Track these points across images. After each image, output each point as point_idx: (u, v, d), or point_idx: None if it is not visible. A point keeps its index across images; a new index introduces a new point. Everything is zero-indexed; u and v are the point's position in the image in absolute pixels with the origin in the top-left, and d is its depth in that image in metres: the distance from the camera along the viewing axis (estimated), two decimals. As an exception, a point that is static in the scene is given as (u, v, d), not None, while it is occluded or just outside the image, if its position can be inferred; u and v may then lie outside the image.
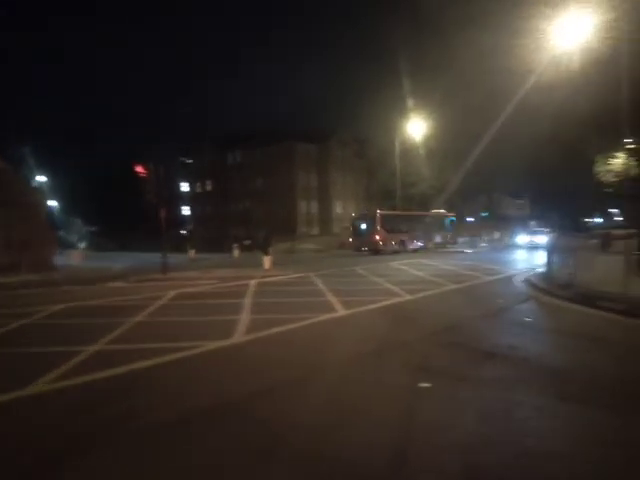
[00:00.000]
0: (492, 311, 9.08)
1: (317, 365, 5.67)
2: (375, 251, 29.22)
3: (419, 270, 17.09)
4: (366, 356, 5.96)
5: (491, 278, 14.58)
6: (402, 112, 37.44)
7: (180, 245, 33.40)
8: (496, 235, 45.85)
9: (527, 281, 13.11)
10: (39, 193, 23.78)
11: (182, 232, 53.82)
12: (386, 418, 4.01)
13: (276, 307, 9.59)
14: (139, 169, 17.38)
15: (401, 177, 38.77)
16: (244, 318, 8.31)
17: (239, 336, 7.02)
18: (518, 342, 6.55)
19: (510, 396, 4.41)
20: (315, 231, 53.35)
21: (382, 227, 29.74)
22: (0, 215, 18.55)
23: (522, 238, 37.95)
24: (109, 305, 10.55)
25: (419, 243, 32.46)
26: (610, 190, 27.16)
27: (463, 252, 30.55)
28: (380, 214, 30.30)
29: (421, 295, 10.95)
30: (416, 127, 37.18)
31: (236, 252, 31.38)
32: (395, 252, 29.39)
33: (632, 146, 22.24)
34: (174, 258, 20.60)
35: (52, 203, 43.05)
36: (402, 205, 37.76)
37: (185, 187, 63.35)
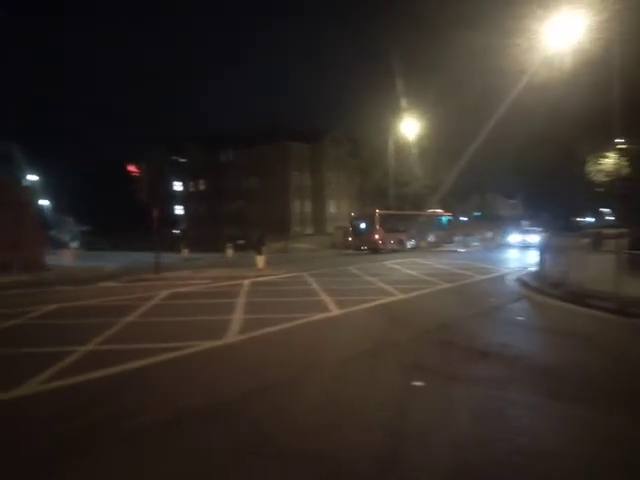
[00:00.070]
0: (485, 310, 9.13)
1: (311, 365, 5.67)
2: (374, 250, 29.54)
3: (412, 269, 17.14)
4: (360, 355, 5.97)
5: (484, 277, 14.65)
6: (396, 112, 37.55)
7: (173, 245, 33.21)
8: (489, 234, 46.06)
9: (519, 280, 13.20)
10: (30, 192, 23.56)
11: (175, 232, 53.57)
12: (379, 417, 4.02)
13: (269, 307, 9.58)
14: (131, 168, 17.30)
15: (394, 177, 38.86)
16: (237, 318, 8.30)
17: (232, 336, 7.00)
18: (510, 341, 6.59)
19: (503, 395, 4.44)
20: (309, 231, 53.30)
21: (381, 226, 30.17)
22: (-9, 215, 18.37)
23: (514, 237, 38.18)
24: (101, 305, 10.49)
25: (417, 242, 32.91)
26: (601, 190, 27.41)
27: (456, 251, 30.68)
28: (379, 214, 30.70)
29: (414, 294, 10.99)
30: (410, 127, 37.26)
31: (229, 252, 31.26)
32: (394, 251, 29.77)
33: (623, 146, 22.45)
34: (167, 258, 20.51)
35: (44, 202, 42.74)
36: (395, 205, 37.86)
37: (178, 186, 63.07)
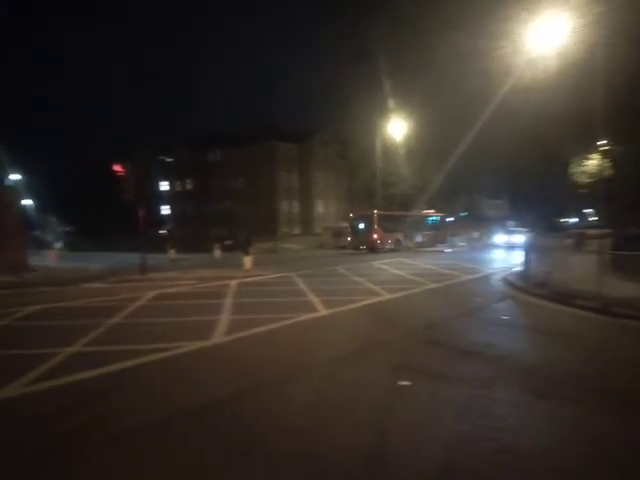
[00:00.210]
0: (470, 310, 9.22)
1: (299, 365, 5.67)
2: (373, 249, 30.33)
3: (400, 269, 17.24)
4: (347, 355, 5.99)
5: (470, 277, 14.79)
6: (383, 112, 37.71)
7: (160, 245, 32.94)
8: (475, 235, 46.48)
9: (504, 280, 13.35)
10: (13, 192, 23.15)
11: (161, 232, 53.12)
12: (367, 417, 4.04)
13: (257, 307, 9.56)
14: (117, 168, 17.10)
15: (382, 177, 39.05)
16: (225, 318, 8.26)
17: (220, 336, 6.97)
18: (496, 340, 6.67)
19: (488, 394, 4.49)
20: (296, 231, 53.29)
21: (379, 226, 31.01)
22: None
23: (500, 238, 38.56)
24: (87, 306, 10.37)
25: (413, 241, 33.92)
26: (585, 191, 27.86)
27: (442, 251, 30.92)
28: (377, 214, 31.56)
29: (401, 294, 11.05)
30: (397, 127, 37.46)
31: (217, 252, 31.10)
32: (392, 250, 30.75)
33: (606, 148, 22.87)
34: (153, 258, 20.32)
35: (27, 202, 42.04)
36: (383, 205, 38.06)
37: (165, 186, 62.54)
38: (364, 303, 9.82)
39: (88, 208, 55.51)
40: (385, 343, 6.64)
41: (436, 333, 7.24)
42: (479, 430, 3.69)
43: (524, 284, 11.87)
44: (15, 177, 39.61)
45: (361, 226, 32.28)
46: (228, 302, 10.23)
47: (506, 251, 29.38)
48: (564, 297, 9.50)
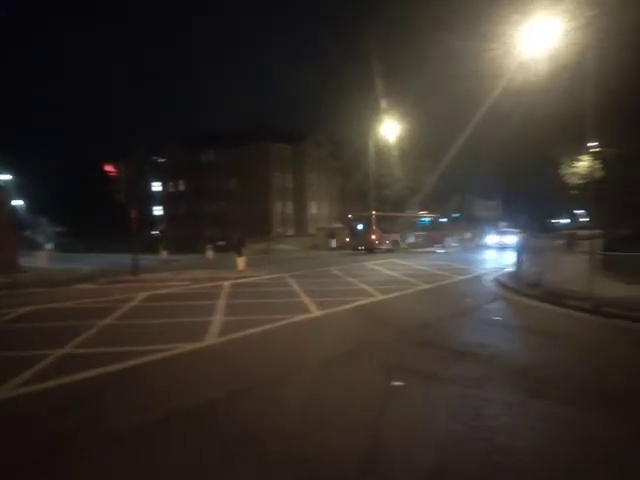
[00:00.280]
0: (463, 310, 9.26)
1: (292, 366, 5.66)
2: (371, 250, 30.83)
3: (392, 270, 17.27)
4: (340, 356, 5.99)
5: (462, 278, 14.85)
6: (376, 113, 37.80)
7: (152, 246, 32.76)
8: (467, 235, 46.71)
9: (496, 280, 13.42)
10: (4, 192, 22.93)
11: (154, 233, 52.82)
12: (360, 417, 4.04)
13: (250, 308, 9.53)
14: (109, 168, 16.99)
15: (375, 178, 39.12)
16: (218, 320, 8.24)
17: (213, 338, 6.95)
18: (488, 340, 6.70)
19: (481, 394, 4.50)
20: (290, 232, 53.24)
21: (377, 227, 31.50)
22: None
23: (492, 238, 38.76)
24: (78, 307, 10.29)
25: (410, 242, 34.44)
26: (576, 192, 28.09)
27: (435, 252, 31.04)
28: (375, 215, 32.05)
29: (394, 295, 11.07)
30: (390, 128, 37.56)
31: (210, 253, 30.97)
32: (389, 250, 31.32)
33: (597, 149, 23.07)
34: (146, 259, 20.21)
35: (18, 202, 41.66)
36: (376, 206, 38.17)
37: (158, 187, 62.21)
38: (357, 304, 9.83)
39: (80, 209, 55.09)
40: (378, 344, 6.65)
41: (429, 334, 7.26)
42: (472, 430, 3.70)
43: (516, 285, 11.93)
44: (5, 177, 39.24)
45: (359, 227, 32.76)
46: (221, 303, 10.19)
47: (498, 252, 29.54)
48: (556, 297, 9.57)
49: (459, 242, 41.27)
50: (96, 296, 11.92)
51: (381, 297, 10.77)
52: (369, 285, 12.70)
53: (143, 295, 11.72)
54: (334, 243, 40.38)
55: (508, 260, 18.13)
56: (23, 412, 4.34)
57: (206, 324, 7.79)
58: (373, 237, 31.15)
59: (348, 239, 33.87)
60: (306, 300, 10.32)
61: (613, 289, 9.10)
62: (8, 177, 39.52)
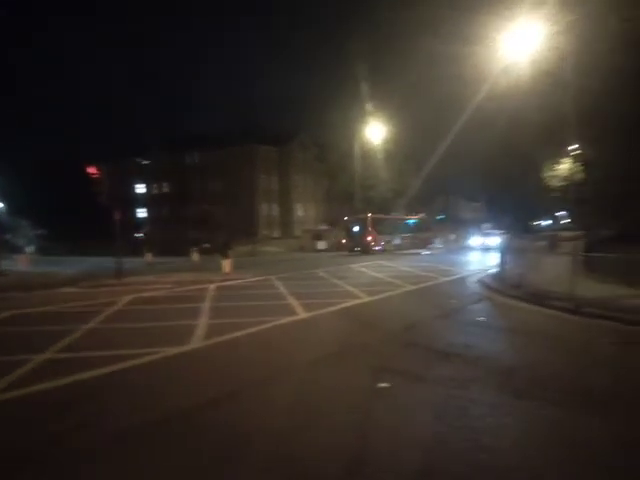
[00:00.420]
0: (448, 311, 9.33)
1: (278, 369, 5.64)
2: (366, 251, 31.44)
3: (378, 272, 17.34)
4: (327, 358, 5.99)
5: (447, 279, 14.97)
6: (362, 116, 38.01)
7: (136, 249, 32.35)
8: (452, 237, 47.18)
9: (481, 282, 13.56)
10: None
11: (138, 235, 52.16)
12: (347, 419, 4.04)
13: (236, 311, 9.47)
14: (91, 170, 16.77)
15: (361, 180, 39.33)
16: (203, 323, 8.17)
17: (198, 341, 6.89)
18: (473, 341, 6.76)
19: (466, 395, 4.54)
20: (276, 234, 53.10)
21: (373, 229, 32.22)
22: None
23: (475, 240, 39.18)
24: (60, 312, 10.11)
25: (402, 243, 35.14)
26: (557, 194, 28.60)
27: (419, 254, 31.26)
28: (371, 217, 32.72)
29: (380, 297, 11.12)
30: (375, 131, 37.83)
31: (195, 256, 30.70)
32: (384, 251, 32.09)
33: (577, 152, 23.52)
34: (130, 262, 19.96)
35: (-3, 205, 40.83)
36: (362, 208, 38.38)
37: (142, 188, 61.47)
38: (343, 306, 9.85)
39: (62, 211, 54.16)
40: (364, 345, 6.67)
41: (414, 335, 7.30)
42: (457, 431, 3.73)
43: (500, 286, 12.07)
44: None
45: (355, 229, 33.43)
46: (206, 306, 10.12)
47: (482, 253, 29.87)
48: (539, 298, 9.71)
49: (444, 244, 41.65)
50: (79, 300, 11.73)
51: (367, 299, 10.80)
52: (355, 287, 12.73)
53: (127, 298, 11.57)
54: (320, 245, 40.44)
55: (492, 261, 18.34)
56: (2, 420, 4.25)
57: (191, 327, 7.72)
58: (369, 238, 31.85)
59: (344, 241, 34.48)
60: (292, 302, 10.30)
61: (594, 290, 9.27)
62: (-13, 179, 38.74)
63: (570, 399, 4.45)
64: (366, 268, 19.19)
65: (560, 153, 25.90)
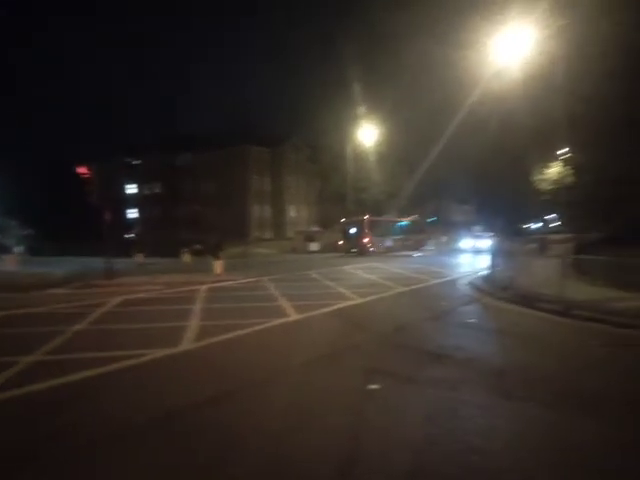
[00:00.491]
0: (438, 313, 9.37)
1: (269, 370, 5.63)
2: (363, 252, 31.89)
3: (370, 273, 17.37)
4: (318, 360, 5.99)
5: (437, 281, 15.03)
6: (355, 118, 38.13)
7: (128, 249, 32.13)
8: (443, 239, 47.38)
9: (471, 284, 13.63)
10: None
11: (129, 236, 51.80)
12: (338, 420, 4.04)
13: (227, 313, 9.44)
14: (81, 170, 16.64)
15: (353, 182, 39.44)
16: (194, 324, 8.13)
17: (189, 343, 6.85)
18: (463, 343, 6.79)
19: (457, 396, 4.56)
20: (268, 235, 53.03)
21: (369, 231, 32.69)
22: None
23: (466, 242, 39.38)
24: (48, 313, 10.00)
25: (397, 245, 35.45)
26: (547, 197, 28.87)
27: (411, 256, 31.36)
28: (367, 219, 33.22)
29: (371, 298, 11.14)
30: (368, 133, 37.97)
31: (186, 257, 30.58)
32: (380, 253, 32.39)
33: (567, 156, 23.76)
34: (121, 263, 19.82)
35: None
36: (354, 210, 38.55)
37: (133, 189, 61.09)
38: (335, 307, 9.85)
39: (51, 211, 53.65)
40: (356, 347, 6.67)
41: (405, 336, 7.32)
42: (448, 432, 3.75)
43: (490, 288, 12.15)
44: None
45: (352, 230, 33.86)
46: (198, 308, 10.07)
47: (472, 255, 30.02)
48: (529, 300, 9.78)
49: (435, 246, 41.83)
50: (68, 301, 11.62)
51: (359, 300, 10.82)
52: (347, 289, 12.74)
53: (117, 300, 11.48)
54: (312, 246, 40.46)
55: (482, 264, 18.44)
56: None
57: (182, 329, 7.68)
58: (366, 240, 32.35)
59: (341, 242, 34.95)
60: (284, 304, 10.28)
61: (584, 292, 9.37)
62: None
63: (560, 401, 4.48)
64: (358, 270, 19.21)
65: (550, 157, 26.15)
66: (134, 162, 58.41)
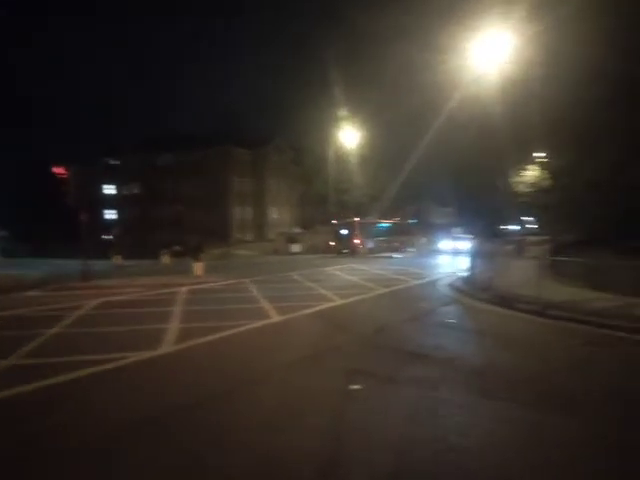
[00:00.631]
0: (419, 314, 9.47)
1: (251, 372, 5.61)
2: (354, 253, 32.88)
3: (351, 275, 17.43)
4: (300, 361, 5.99)
5: (418, 282, 15.17)
6: (337, 121, 38.28)
7: (106, 251, 31.57)
8: (423, 241, 47.81)
9: (451, 285, 13.79)
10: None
11: (106, 237, 50.90)
12: (320, 420, 4.06)
13: (208, 315, 9.36)
14: (58, 170, 16.30)
15: (335, 184, 39.60)
16: (174, 327, 8.04)
17: (168, 346, 6.77)
18: (443, 343, 6.88)
19: (437, 395, 4.62)
20: (249, 237, 52.73)
21: (360, 232, 33.84)
22: None
23: (446, 244, 39.80)
24: (24, 316, 9.75)
25: (384, 245, 36.15)
26: (525, 200, 29.42)
27: (392, 257, 31.58)
28: (358, 222, 34.48)
29: (353, 299, 11.18)
30: (350, 136, 38.17)
31: (166, 258, 30.19)
32: (370, 253, 33.27)
33: (543, 160, 24.27)
34: (98, 265, 19.48)
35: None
36: (336, 212, 38.76)
37: (111, 189, 60.07)
38: (317, 309, 9.86)
39: (26, 212, 52.42)
40: (337, 348, 6.70)
41: (386, 337, 7.38)
42: (428, 431, 3.79)
43: (469, 289, 12.32)
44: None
45: (343, 232, 34.92)
46: (177, 310, 9.95)
47: (452, 257, 30.38)
48: (507, 301, 9.95)
49: (416, 247, 42.22)
50: (44, 304, 11.36)
51: (340, 302, 10.85)
52: (328, 290, 12.76)
53: (95, 302, 11.28)
54: (294, 248, 40.40)
55: (462, 265, 18.67)
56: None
57: (162, 331, 7.58)
58: (356, 241, 33.56)
59: (333, 243, 35.89)
60: (266, 306, 10.25)
61: (561, 293, 9.58)
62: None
63: (538, 399, 4.58)
64: (340, 271, 19.26)
65: (528, 160, 26.66)
66: (112, 162, 57.46)
